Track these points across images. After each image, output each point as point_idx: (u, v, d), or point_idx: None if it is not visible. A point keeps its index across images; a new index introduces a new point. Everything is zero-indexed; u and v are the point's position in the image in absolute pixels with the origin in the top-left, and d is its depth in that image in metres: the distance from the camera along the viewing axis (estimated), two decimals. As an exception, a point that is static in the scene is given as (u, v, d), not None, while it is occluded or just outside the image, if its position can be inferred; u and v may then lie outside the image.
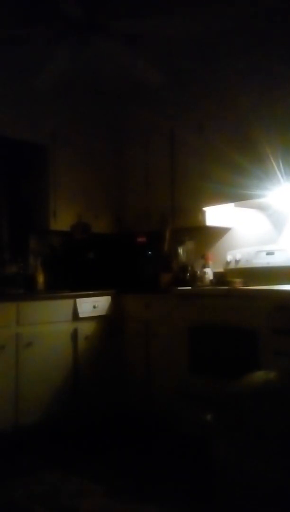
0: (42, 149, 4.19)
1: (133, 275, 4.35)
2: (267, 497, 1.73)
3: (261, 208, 3.89)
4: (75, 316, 3.81)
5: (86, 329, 3.87)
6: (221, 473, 1.87)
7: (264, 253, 3.72)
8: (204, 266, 3.96)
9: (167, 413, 3.56)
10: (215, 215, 3.99)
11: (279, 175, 3.34)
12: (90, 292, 3.93)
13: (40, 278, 4.04)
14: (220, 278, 3.82)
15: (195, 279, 3.94)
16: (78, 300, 3.83)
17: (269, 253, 3.70)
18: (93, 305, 3.92)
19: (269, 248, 3.73)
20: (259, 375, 2.24)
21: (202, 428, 2.02)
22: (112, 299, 4.05)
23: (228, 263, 3.95)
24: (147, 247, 4.38)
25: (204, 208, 3.92)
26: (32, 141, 4.15)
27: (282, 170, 3.32)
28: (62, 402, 3.66)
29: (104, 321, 3.99)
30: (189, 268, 4.05)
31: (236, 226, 4.13)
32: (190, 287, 3.78)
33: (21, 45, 3.57)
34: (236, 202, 3.83)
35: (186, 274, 4.02)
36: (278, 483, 1.69)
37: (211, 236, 4.23)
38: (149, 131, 4.36)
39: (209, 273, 3.91)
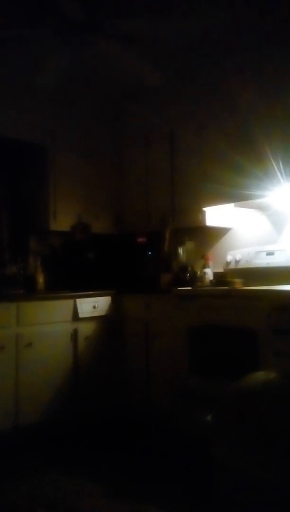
0: (42, 149, 4.19)
1: (133, 275, 4.35)
2: (268, 497, 1.73)
3: (261, 208, 3.89)
4: (75, 316, 3.81)
5: (86, 329, 3.87)
6: (221, 473, 1.87)
7: (264, 253, 3.72)
8: (204, 266, 3.96)
9: (167, 413, 3.57)
10: (215, 215, 3.99)
11: (279, 175, 3.34)
12: (90, 293, 3.93)
13: (40, 278, 4.04)
14: (220, 278, 3.82)
15: (195, 279, 3.95)
16: (78, 300, 3.83)
17: (269, 253, 3.69)
18: (93, 305, 3.92)
19: (269, 248, 3.73)
20: (259, 375, 2.24)
21: (202, 428, 2.02)
22: (112, 299, 4.05)
23: (228, 263, 3.95)
24: (147, 247, 4.38)
25: (204, 208, 3.92)
26: (32, 141, 4.15)
27: (282, 170, 3.32)
28: (62, 402, 3.66)
29: (104, 322, 3.99)
30: (189, 268, 4.05)
31: (236, 226, 4.13)
32: (190, 287, 3.78)
33: (21, 45, 3.57)
34: (236, 203, 3.83)
35: (186, 274, 4.02)
36: (279, 483, 1.68)
37: (211, 236, 4.22)
38: (149, 131, 4.37)
39: (209, 273, 3.91)
